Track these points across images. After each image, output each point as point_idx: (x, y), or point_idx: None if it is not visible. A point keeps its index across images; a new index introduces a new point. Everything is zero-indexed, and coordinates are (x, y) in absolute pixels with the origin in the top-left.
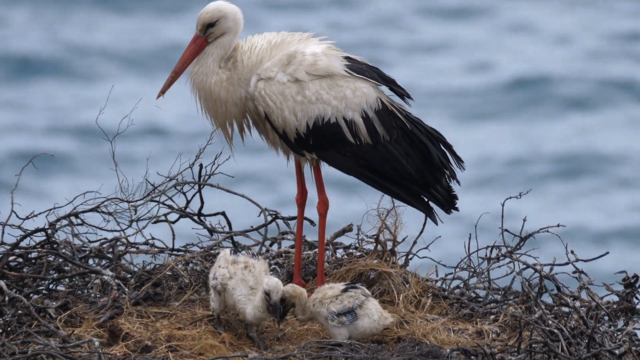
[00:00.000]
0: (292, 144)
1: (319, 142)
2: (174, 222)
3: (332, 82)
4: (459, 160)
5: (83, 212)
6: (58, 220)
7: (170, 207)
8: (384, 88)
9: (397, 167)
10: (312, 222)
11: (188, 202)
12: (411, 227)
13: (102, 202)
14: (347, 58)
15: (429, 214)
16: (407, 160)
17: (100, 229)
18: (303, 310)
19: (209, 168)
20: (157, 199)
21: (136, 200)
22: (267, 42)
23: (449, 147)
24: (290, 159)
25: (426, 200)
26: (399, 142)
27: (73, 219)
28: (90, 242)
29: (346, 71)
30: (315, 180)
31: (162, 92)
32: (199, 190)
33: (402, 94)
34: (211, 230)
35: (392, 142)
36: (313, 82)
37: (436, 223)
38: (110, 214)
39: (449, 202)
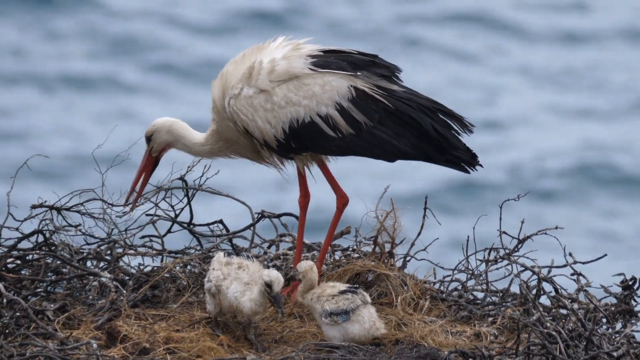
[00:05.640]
0: (277, 151)
1: (300, 144)
2: (168, 232)
3: (299, 82)
4: (463, 125)
5: (66, 209)
6: (41, 206)
7: (161, 225)
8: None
9: (390, 149)
10: (296, 217)
11: (177, 215)
12: (410, 229)
13: (87, 200)
14: (313, 55)
15: (458, 167)
16: (398, 140)
17: (90, 235)
18: (305, 293)
19: (199, 180)
20: (151, 211)
21: (122, 205)
22: (231, 63)
23: (450, 114)
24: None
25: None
26: (385, 124)
27: (54, 213)
28: (89, 243)
29: (310, 68)
30: (327, 179)
31: (133, 205)
32: (189, 202)
33: (388, 74)
34: (200, 241)
35: (377, 126)
36: (280, 87)
37: (468, 172)
38: (96, 218)
39: (470, 161)
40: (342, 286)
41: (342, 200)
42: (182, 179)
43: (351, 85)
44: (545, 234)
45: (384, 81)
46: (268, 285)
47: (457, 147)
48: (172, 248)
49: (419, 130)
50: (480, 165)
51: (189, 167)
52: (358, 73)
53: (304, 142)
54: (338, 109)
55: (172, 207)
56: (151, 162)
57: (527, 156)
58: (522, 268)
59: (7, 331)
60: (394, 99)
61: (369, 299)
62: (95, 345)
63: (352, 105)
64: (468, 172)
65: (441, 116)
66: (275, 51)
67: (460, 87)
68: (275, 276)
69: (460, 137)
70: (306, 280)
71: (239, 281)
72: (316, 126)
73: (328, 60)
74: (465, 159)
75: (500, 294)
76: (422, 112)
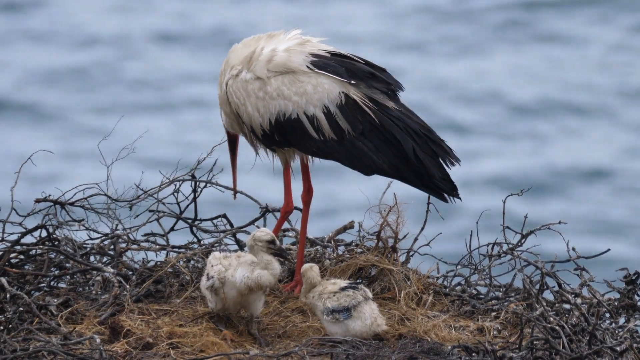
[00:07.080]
0: (261, 140)
1: (284, 138)
2: (172, 230)
3: (294, 77)
4: (450, 156)
5: (70, 203)
6: (44, 200)
7: (165, 221)
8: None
9: (367, 162)
10: (300, 210)
11: (182, 212)
12: (413, 224)
13: (90, 195)
14: (315, 55)
15: (436, 195)
16: (377, 156)
17: (93, 230)
18: (307, 293)
19: (206, 175)
20: (154, 207)
21: (127, 201)
22: (240, 43)
23: (438, 144)
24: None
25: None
26: (368, 137)
27: (58, 208)
28: (93, 238)
29: (308, 67)
30: (284, 182)
31: (235, 191)
32: (194, 198)
33: (388, 90)
34: (199, 240)
35: (359, 137)
36: (275, 78)
37: (446, 201)
38: (100, 213)
39: (450, 191)
40: (343, 282)
41: (287, 208)
42: (191, 174)
43: (343, 92)
44: (549, 228)
45: (381, 95)
46: (271, 242)
47: (434, 176)
48: (175, 243)
49: (399, 150)
50: (459, 198)
51: (198, 160)
52: (352, 82)
53: (287, 136)
54: (325, 112)
55: (178, 203)
56: (229, 137)
57: None
58: (526, 263)
59: (10, 326)
60: (382, 114)
61: (370, 294)
62: (98, 340)
63: (339, 112)
64: (446, 201)
65: (428, 143)
66: (282, 42)
67: None
68: (269, 231)
69: (443, 167)
70: (306, 278)
71: (244, 264)
72: (301, 124)
73: (327, 63)
74: (443, 189)
75: (504, 289)
76: (408, 134)
